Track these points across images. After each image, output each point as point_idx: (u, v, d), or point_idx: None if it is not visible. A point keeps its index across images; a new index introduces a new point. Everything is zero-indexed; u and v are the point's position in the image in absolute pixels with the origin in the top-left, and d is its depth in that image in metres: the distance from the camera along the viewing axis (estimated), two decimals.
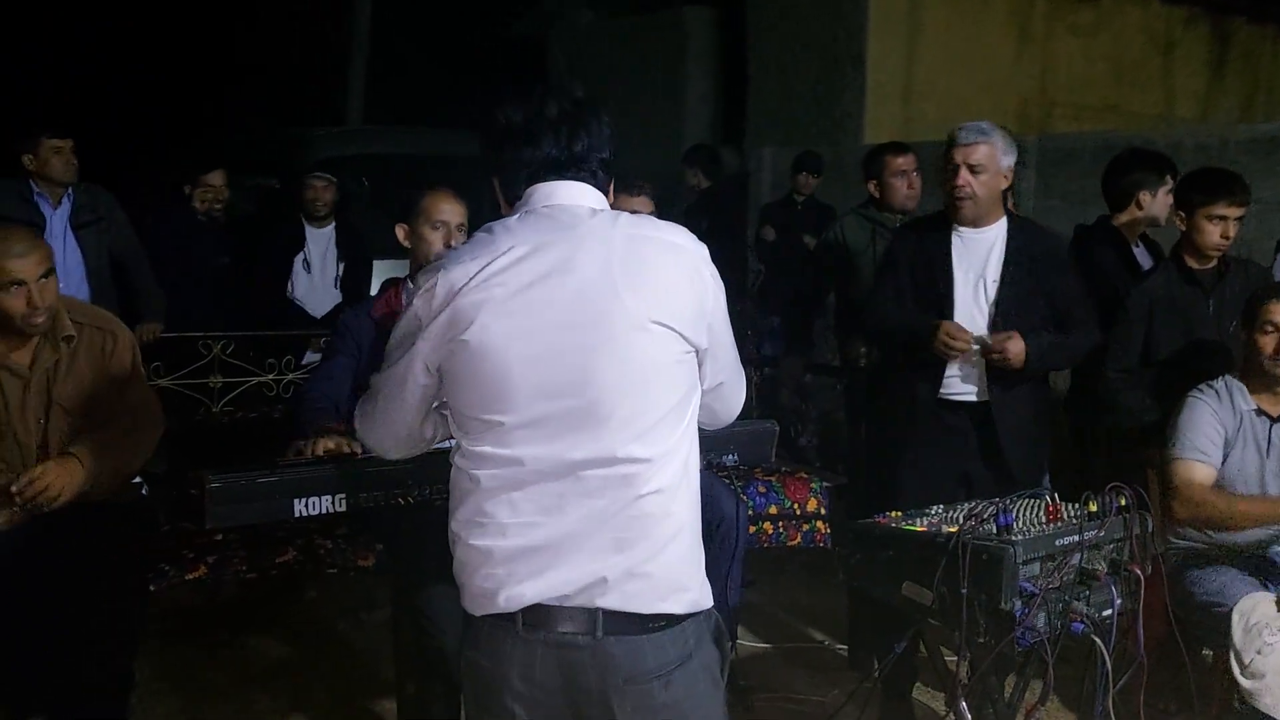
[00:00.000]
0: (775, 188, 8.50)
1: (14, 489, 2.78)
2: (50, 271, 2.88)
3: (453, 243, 2.98)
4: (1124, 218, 4.06)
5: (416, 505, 2.39)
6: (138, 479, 3.24)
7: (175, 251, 5.25)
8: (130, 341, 3.13)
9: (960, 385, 3.41)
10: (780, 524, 3.69)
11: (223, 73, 12.19)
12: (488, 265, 1.70)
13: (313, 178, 5.68)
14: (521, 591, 1.71)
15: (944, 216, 3.47)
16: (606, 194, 1.85)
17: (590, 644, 1.71)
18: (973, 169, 3.31)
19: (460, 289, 1.69)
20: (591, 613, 1.71)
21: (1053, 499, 2.65)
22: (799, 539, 3.73)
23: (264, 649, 3.99)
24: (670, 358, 1.73)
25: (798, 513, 3.72)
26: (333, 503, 2.33)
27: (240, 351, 4.77)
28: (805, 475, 3.87)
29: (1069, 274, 3.47)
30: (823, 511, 3.73)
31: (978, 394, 3.41)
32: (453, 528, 1.79)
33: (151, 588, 3.06)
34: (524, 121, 1.79)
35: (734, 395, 1.95)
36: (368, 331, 3.07)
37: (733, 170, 9.50)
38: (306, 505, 2.30)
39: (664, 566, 1.73)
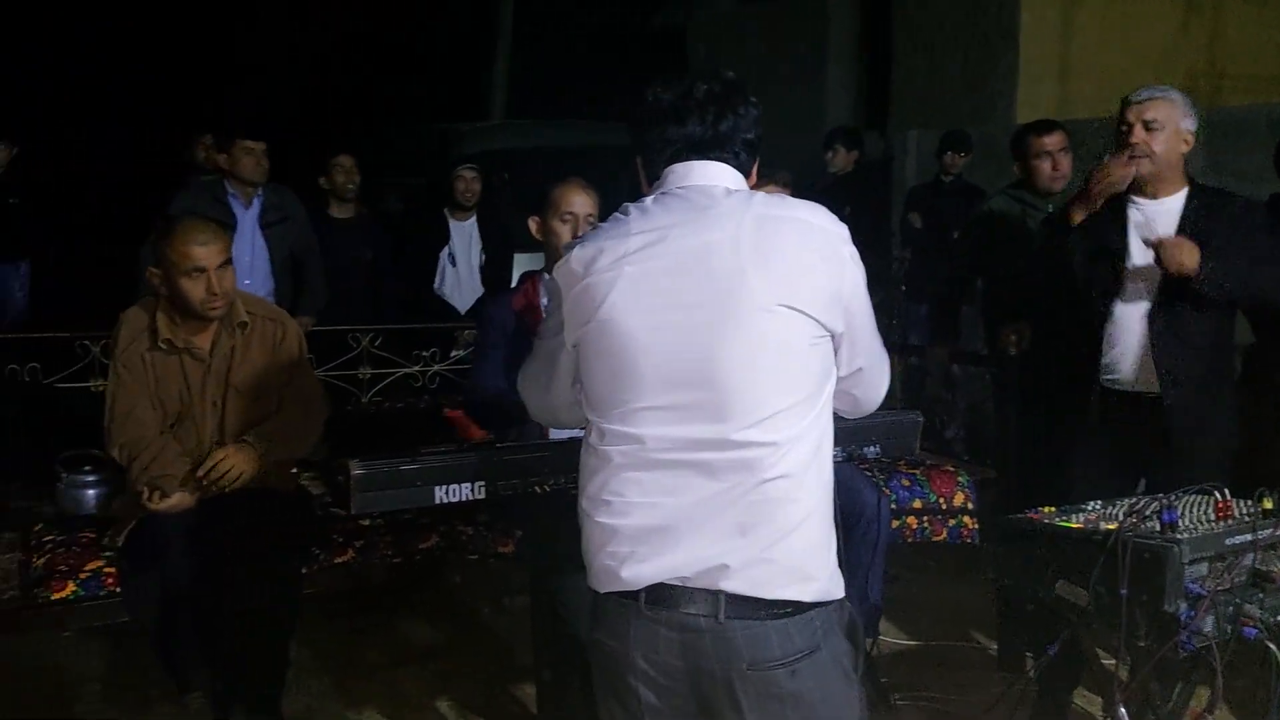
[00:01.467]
0: (921, 172, 8.27)
1: (200, 472, 2.96)
2: (228, 262, 3.08)
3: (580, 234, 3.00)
4: None
5: (553, 493, 2.41)
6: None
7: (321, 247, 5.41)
8: (298, 332, 3.30)
9: (1126, 374, 3.16)
10: (925, 519, 3.58)
11: (365, 71, 12.55)
12: (620, 245, 1.72)
13: (463, 169, 5.81)
14: (644, 570, 1.71)
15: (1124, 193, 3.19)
16: (749, 175, 1.84)
17: (713, 627, 1.69)
18: (1148, 125, 3.07)
19: (592, 267, 1.72)
20: (714, 595, 1.69)
21: (1223, 494, 2.47)
22: (944, 534, 3.61)
23: (410, 632, 4.10)
24: (801, 342, 1.71)
25: (944, 507, 3.60)
26: (472, 490, 2.38)
27: (388, 344, 4.90)
28: (952, 468, 3.74)
29: (1268, 236, 3.11)
30: (970, 506, 3.60)
31: (1145, 385, 3.14)
32: (581, 504, 1.80)
33: (304, 570, 3.19)
34: (672, 101, 1.79)
35: (875, 382, 1.90)
36: (510, 322, 3.11)
37: (876, 155, 9.30)
38: (447, 492, 2.36)
39: (788, 553, 1.70)
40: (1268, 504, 2.40)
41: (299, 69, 12.28)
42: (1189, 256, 2.97)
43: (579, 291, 1.74)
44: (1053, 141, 4.24)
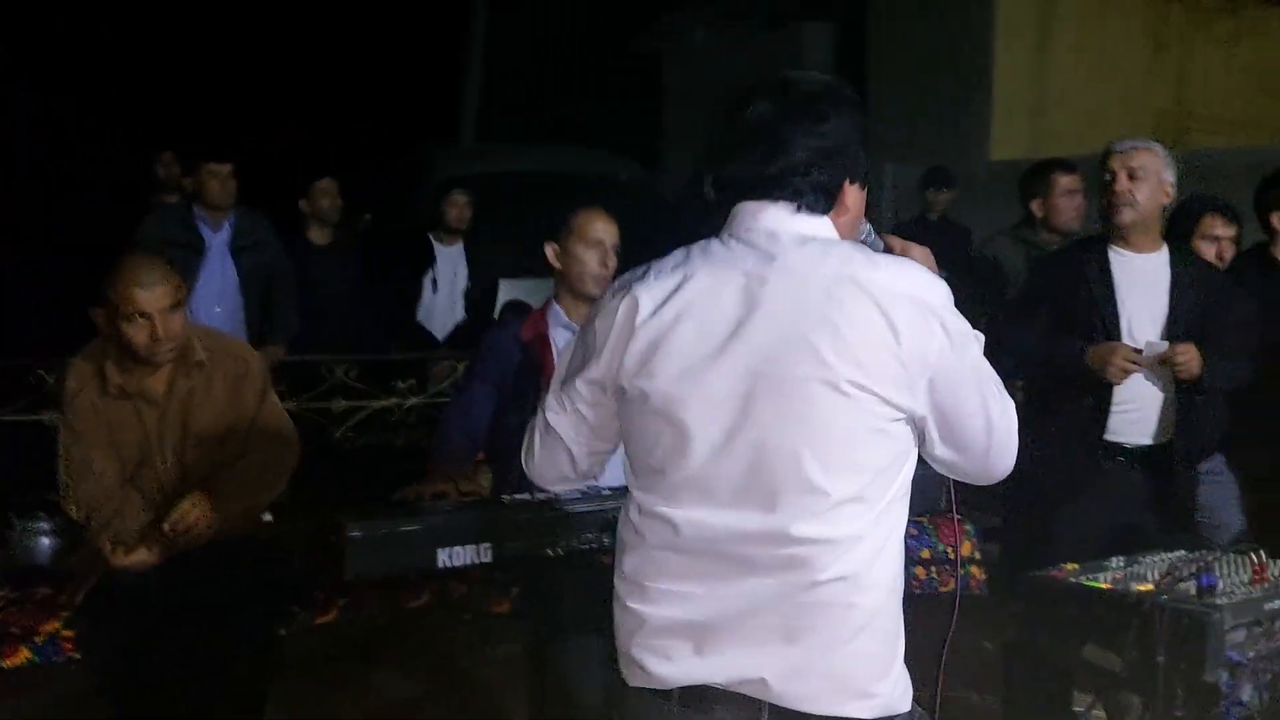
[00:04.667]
0: (899, 208, 8.24)
1: (165, 525, 2.74)
2: (179, 305, 2.84)
3: (608, 263, 2.84)
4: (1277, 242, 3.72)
5: (563, 557, 2.24)
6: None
7: (298, 274, 5.25)
8: (262, 367, 3.08)
9: (1131, 426, 3.12)
10: (932, 569, 3.47)
11: (334, 92, 12.33)
12: (673, 293, 1.52)
13: (455, 192, 5.65)
14: (676, 670, 1.53)
15: (1097, 239, 3.21)
16: (833, 211, 1.57)
17: None
18: (1132, 174, 3.07)
19: (640, 316, 1.52)
20: (755, 703, 1.50)
21: (1258, 556, 2.39)
22: (952, 585, 3.49)
23: (391, 685, 3.89)
24: (868, 425, 1.48)
25: (951, 556, 3.49)
26: (477, 553, 2.20)
27: (365, 375, 4.73)
28: (958, 516, 3.62)
29: (1239, 305, 3.21)
30: (977, 556, 3.50)
31: (1155, 435, 3.12)
32: (615, 583, 1.62)
33: (282, 631, 2.98)
34: (725, 129, 1.57)
35: (994, 460, 1.62)
36: (515, 354, 2.90)
37: None
38: (450, 556, 2.17)
39: (843, 665, 1.50)
40: None
41: (267, 85, 12.03)
42: (1198, 364, 3.00)
43: (620, 339, 1.53)
44: (1073, 181, 4.20)
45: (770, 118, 1.54)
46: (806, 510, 1.47)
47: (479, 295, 5.63)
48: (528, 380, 2.73)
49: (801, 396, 1.46)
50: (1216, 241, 3.58)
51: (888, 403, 1.48)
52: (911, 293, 1.50)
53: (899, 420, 1.51)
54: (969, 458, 1.59)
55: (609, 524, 2.12)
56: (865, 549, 1.50)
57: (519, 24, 11.95)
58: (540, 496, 2.26)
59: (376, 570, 2.23)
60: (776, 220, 1.55)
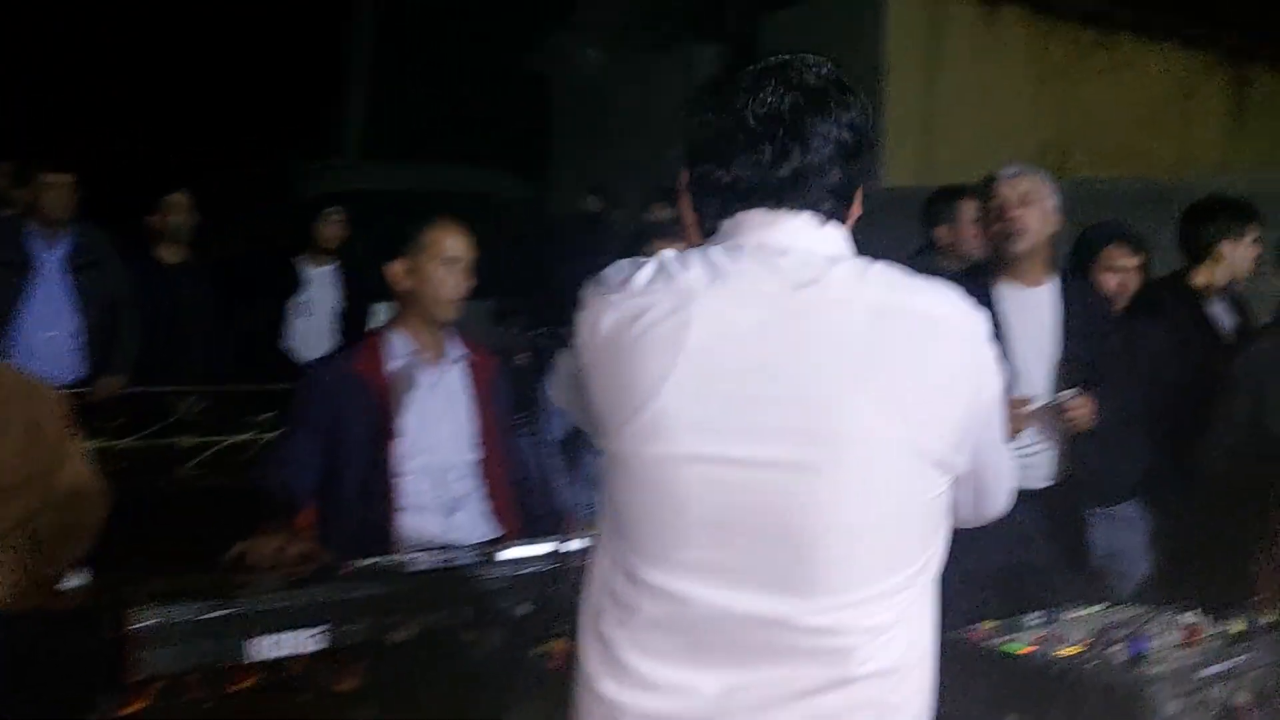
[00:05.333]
0: None
1: None
2: None
3: (464, 283, 2.56)
4: (1202, 271, 3.64)
5: (415, 640, 1.89)
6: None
7: (143, 297, 4.82)
8: (61, 410, 2.62)
9: (1028, 470, 2.96)
10: None
11: (195, 95, 11.61)
12: (682, 310, 1.20)
13: (330, 211, 5.31)
14: None
15: (982, 270, 3.08)
16: (845, 220, 1.32)
17: None
18: (1023, 201, 2.97)
19: (648, 330, 1.20)
20: None
21: (1190, 614, 2.21)
22: None
23: None
24: (922, 496, 1.24)
25: None
26: (302, 641, 1.81)
27: (219, 407, 4.31)
28: None
29: (1116, 336, 3.15)
30: None
31: (1054, 476, 2.99)
32: (580, 662, 1.30)
33: None
34: (722, 120, 1.28)
35: (990, 505, 1.43)
36: (343, 391, 2.54)
37: None
38: (267, 646, 1.80)
39: None
40: (1238, 626, 2.13)
41: (115, 90, 11.23)
42: (1089, 418, 2.91)
43: (621, 351, 1.21)
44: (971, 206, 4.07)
45: (786, 107, 1.26)
46: (846, 598, 1.22)
47: (350, 318, 5.25)
48: (360, 424, 2.38)
49: (845, 463, 1.19)
50: (1121, 272, 3.47)
51: (943, 465, 1.23)
52: (960, 324, 1.25)
53: (948, 481, 1.26)
54: (975, 510, 1.39)
55: (476, 593, 1.81)
56: (907, 635, 1.25)
57: (406, 40, 11.56)
58: (386, 562, 1.91)
59: (171, 666, 1.83)
60: (796, 233, 1.26)
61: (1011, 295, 3.00)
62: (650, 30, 9.93)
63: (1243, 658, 2.09)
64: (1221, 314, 3.70)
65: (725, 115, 1.28)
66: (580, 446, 2.76)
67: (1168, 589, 2.81)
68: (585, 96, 10.33)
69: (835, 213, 1.29)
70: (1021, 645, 2.21)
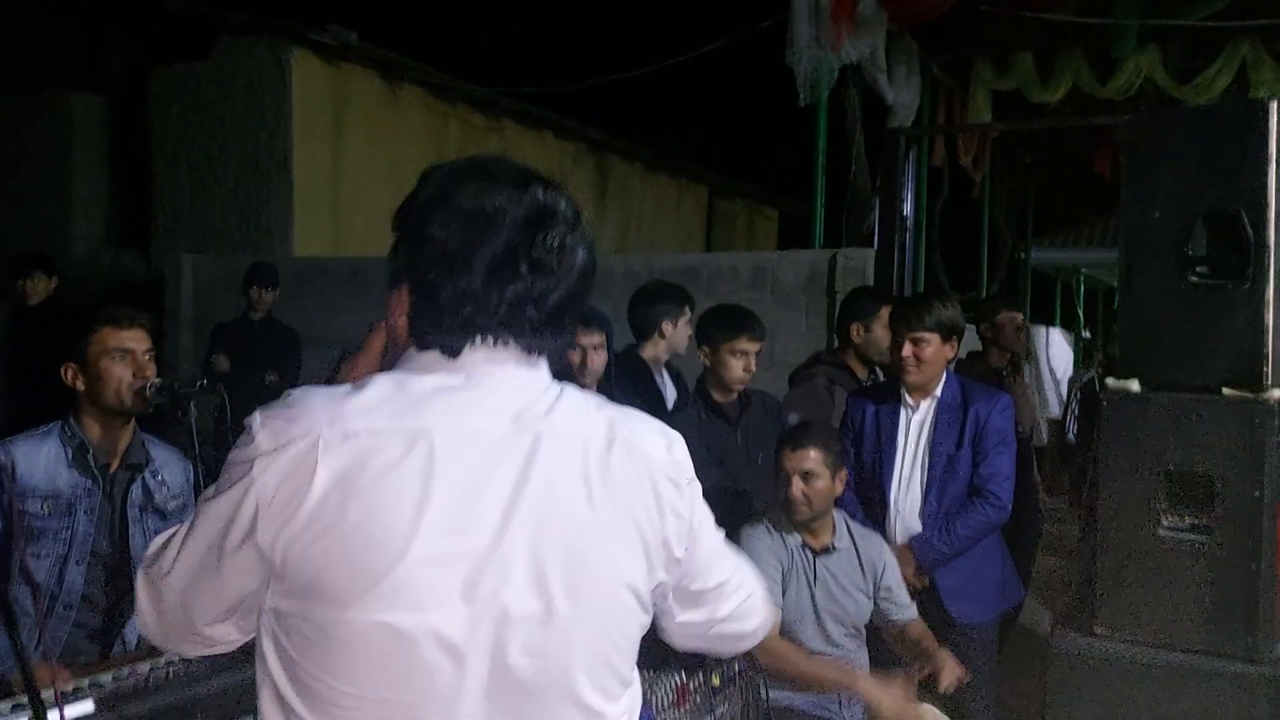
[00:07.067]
0: (201, 300, 7.62)
1: None
2: None
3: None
4: (649, 347, 4.10)
5: None
6: None
7: None
8: None
9: None
10: None
11: None
12: (407, 455, 1.11)
13: None
14: None
15: None
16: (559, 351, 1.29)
17: None
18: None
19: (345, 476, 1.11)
20: None
21: (680, 675, 2.44)
22: None
23: None
24: (640, 625, 1.25)
25: None
26: None
27: None
28: None
29: None
30: None
31: None
32: None
33: None
34: (461, 236, 1.20)
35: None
36: None
37: (139, 278, 8.41)
38: None
39: None
40: (716, 680, 2.42)
41: None
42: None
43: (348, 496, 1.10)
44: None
45: (560, 238, 1.22)
46: None
47: None
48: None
49: (597, 604, 1.17)
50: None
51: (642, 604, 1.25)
52: (669, 465, 1.26)
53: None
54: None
55: None
56: None
57: None
58: None
59: None
60: (527, 361, 1.22)
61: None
62: (19, 76, 8.81)
63: (723, 708, 2.39)
64: (665, 384, 4.17)
65: (461, 222, 1.24)
66: None
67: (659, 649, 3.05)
68: None
69: (563, 343, 1.29)
70: None
